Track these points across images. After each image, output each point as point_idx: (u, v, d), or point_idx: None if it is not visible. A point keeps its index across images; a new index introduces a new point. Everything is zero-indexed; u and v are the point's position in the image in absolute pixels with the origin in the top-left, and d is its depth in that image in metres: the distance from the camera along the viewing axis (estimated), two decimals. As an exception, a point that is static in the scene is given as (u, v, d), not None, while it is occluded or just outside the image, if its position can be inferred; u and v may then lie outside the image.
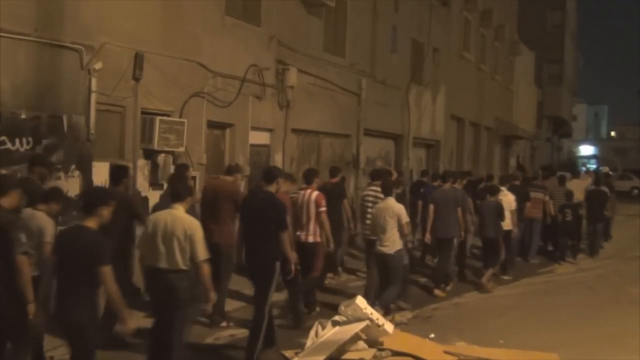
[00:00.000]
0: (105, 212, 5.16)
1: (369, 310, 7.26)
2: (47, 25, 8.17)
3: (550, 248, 15.44)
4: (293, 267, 7.39)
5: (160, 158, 9.88)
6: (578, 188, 15.66)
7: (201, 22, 10.67)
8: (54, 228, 6.00)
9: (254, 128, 12.15)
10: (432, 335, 8.00)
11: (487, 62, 25.98)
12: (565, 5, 41.50)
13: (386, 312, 8.67)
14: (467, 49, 23.47)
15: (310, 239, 8.85)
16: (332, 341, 6.95)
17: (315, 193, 8.92)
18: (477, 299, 10.84)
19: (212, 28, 10.94)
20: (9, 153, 7.77)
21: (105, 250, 4.99)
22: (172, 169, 9.90)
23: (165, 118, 9.87)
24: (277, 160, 12.94)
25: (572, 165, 42.29)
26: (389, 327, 7.34)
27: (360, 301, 7.35)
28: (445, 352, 7.14)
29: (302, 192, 9.02)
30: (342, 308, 7.44)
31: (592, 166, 47.52)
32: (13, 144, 7.83)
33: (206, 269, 5.99)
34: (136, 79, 9.37)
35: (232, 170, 8.72)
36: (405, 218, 8.99)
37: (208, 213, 8.14)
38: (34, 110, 8.09)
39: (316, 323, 7.41)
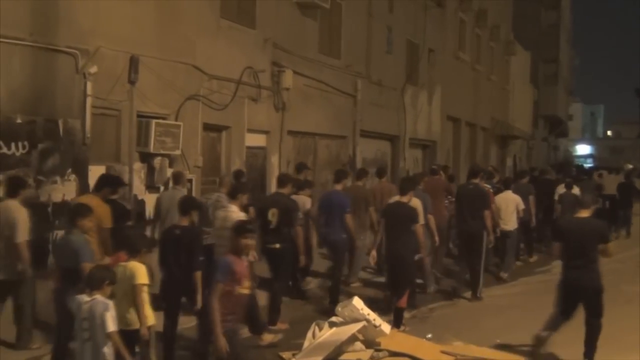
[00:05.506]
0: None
1: (365, 311, 7.28)
2: (42, 30, 8.18)
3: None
4: None
5: (157, 161, 9.88)
6: (614, 182, 19.40)
7: (196, 25, 10.67)
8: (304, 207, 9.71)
9: (250, 130, 12.16)
10: (430, 335, 8.03)
11: (483, 62, 26.00)
12: (560, 4, 41.54)
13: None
14: (462, 50, 23.49)
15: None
16: (329, 342, 6.97)
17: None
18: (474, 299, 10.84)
19: (207, 31, 10.95)
20: (4, 157, 7.78)
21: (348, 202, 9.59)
22: (168, 172, 9.94)
23: (161, 121, 9.88)
24: (274, 162, 12.96)
25: (569, 164, 42.29)
26: (385, 327, 7.36)
27: (357, 302, 7.37)
28: (442, 352, 7.16)
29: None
30: (339, 309, 7.46)
31: (589, 165, 47.54)
32: (9, 148, 7.84)
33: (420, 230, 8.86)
34: (131, 82, 9.36)
35: (436, 171, 12.27)
36: (521, 205, 12.13)
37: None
38: (30, 115, 8.09)
39: (313, 324, 7.43)
